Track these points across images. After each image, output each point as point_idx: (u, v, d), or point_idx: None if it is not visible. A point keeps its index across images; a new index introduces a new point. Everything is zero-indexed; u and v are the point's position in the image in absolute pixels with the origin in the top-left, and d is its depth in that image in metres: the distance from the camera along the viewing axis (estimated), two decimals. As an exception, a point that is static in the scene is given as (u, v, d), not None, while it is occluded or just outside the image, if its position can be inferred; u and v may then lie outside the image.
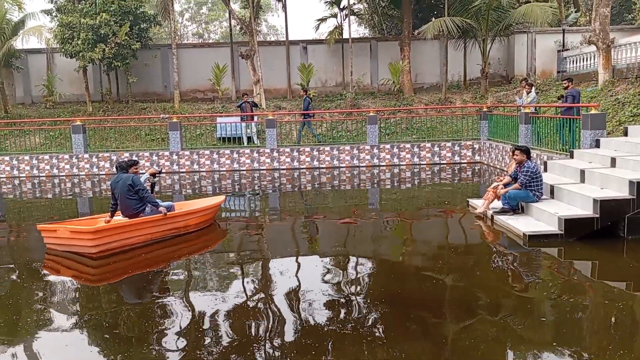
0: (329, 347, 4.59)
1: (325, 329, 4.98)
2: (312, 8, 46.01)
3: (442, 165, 16.52)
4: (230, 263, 7.51)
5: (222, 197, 10.11)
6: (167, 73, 24.29)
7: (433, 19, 21.33)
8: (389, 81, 22.39)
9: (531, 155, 9.41)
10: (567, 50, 22.24)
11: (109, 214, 8.19)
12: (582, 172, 8.93)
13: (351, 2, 24.84)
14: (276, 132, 17.01)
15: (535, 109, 14.03)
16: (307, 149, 16.87)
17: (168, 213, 8.20)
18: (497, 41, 22.29)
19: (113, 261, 7.36)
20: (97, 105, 22.72)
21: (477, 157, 16.81)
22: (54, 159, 17.06)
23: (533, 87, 14.94)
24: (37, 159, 17.08)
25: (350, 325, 5.06)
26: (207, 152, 16.96)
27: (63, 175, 16.86)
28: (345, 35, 23.89)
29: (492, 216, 8.84)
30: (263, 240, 8.77)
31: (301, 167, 16.74)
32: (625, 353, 4.33)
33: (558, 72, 22.11)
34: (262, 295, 6.06)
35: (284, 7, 24.34)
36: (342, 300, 5.74)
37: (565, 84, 13.34)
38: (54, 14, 22.75)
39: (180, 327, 5.12)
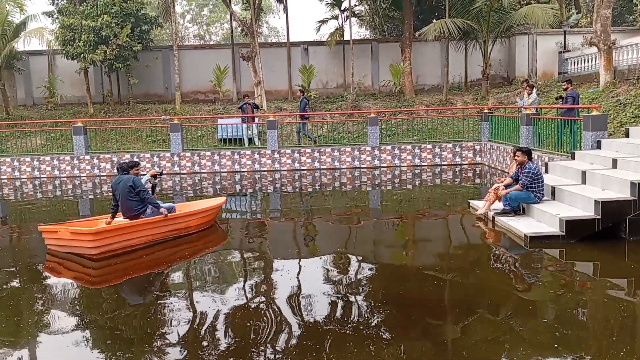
0: (330, 347, 4.58)
1: (326, 329, 4.97)
2: (313, 10, 46.24)
3: (443, 167, 16.50)
4: (232, 264, 7.51)
5: (223, 199, 10.11)
6: (168, 75, 24.32)
7: (434, 21, 21.34)
8: (390, 82, 22.39)
9: (532, 156, 9.40)
10: (568, 51, 22.24)
11: (110, 215, 8.18)
12: (584, 173, 8.92)
13: (352, 4, 24.86)
14: (277, 134, 17.01)
15: (537, 111, 14.03)
16: (308, 151, 16.87)
17: (169, 214, 8.20)
18: (498, 42, 22.29)
19: (114, 262, 7.36)
20: (98, 106, 22.75)
21: (478, 159, 16.80)
22: (55, 161, 17.08)
23: (534, 89, 14.93)
24: (38, 161, 17.10)
25: (350, 325, 5.05)
26: (208, 153, 16.97)
27: (64, 177, 16.87)
28: (346, 36, 23.92)
29: (493, 217, 8.83)
30: (264, 241, 8.76)
31: (302, 168, 16.74)
32: (627, 355, 4.32)
33: (559, 73, 22.10)
34: (264, 296, 6.05)
35: (285, 8, 24.36)
36: (343, 301, 5.73)
37: (564, 85, 13.35)
38: (55, 16, 22.81)
39: (182, 329, 5.11)
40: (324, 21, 26.03)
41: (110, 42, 20.18)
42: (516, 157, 8.89)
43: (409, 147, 16.92)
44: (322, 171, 16.47)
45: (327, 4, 25.93)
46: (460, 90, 23.11)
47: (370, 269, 7.07)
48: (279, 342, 4.78)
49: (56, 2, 22.76)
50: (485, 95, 21.38)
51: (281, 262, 7.38)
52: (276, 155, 16.81)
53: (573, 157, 10.48)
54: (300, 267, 7.18)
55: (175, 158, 16.88)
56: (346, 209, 11.35)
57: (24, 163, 17.08)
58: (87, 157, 17.05)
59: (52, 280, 6.95)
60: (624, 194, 7.65)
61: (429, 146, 16.94)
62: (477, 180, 14.60)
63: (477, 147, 16.87)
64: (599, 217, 7.47)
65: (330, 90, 24.54)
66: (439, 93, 22.88)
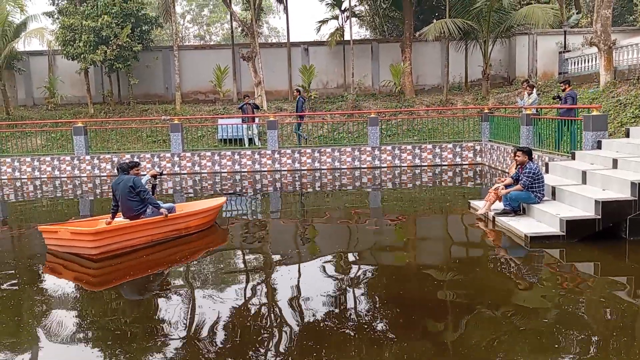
0: (330, 347, 4.58)
1: (326, 329, 4.97)
2: (313, 10, 46.24)
3: (443, 167, 16.50)
4: (232, 264, 7.51)
5: (223, 199, 10.11)
6: (168, 75, 24.32)
7: (434, 21, 21.36)
8: (390, 83, 22.39)
9: (533, 156, 9.40)
10: (568, 51, 22.23)
11: (110, 215, 8.18)
12: (584, 173, 8.92)
13: (352, 4, 24.87)
14: (277, 134, 17.01)
15: (537, 111, 14.02)
16: (308, 151, 16.87)
17: (169, 214, 8.20)
18: (498, 43, 22.30)
19: (114, 263, 7.36)
20: (99, 107, 22.76)
21: (478, 159, 16.79)
22: (56, 161, 17.08)
23: (534, 89, 14.93)
24: (38, 161, 17.10)
25: (350, 325, 5.05)
26: (209, 153, 16.97)
27: (64, 177, 16.88)
28: (347, 37, 23.92)
29: (493, 217, 8.82)
30: (264, 241, 8.76)
31: (302, 168, 16.73)
32: (628, 355, 4.31)
33: (559, 73, 22.10)
34: (264, 296, 6.05)
35: (285, 9, 24.37)
36: (343, 301, 5.73)
37: (562, 86, 13.37)
38: (55, 16, 22.83)
39: (182, 329, 5.11)
40: (324, 21, 26.03)
41: (110, 42, 20.18)
42: (517, 157, 8.88)
43: (409, 147, 16.91)
44: (323, 171, 16.47)
45: (328, 4, 25.93)
46: (460, 90, 23.11)
47: (371, 269, 7.06)
48: (279, 342, 4.78)
49: (56, 2, 22.78)
50: (486, 95, 21.38)
51: (281, 261, 7.37)
52: (276, 156, 16.81)
53: (573, 157, 10.47)
54: (300, 267, 7.18)
55: (176, 158, 16.88)
56: (346, 209, 11.35)
57: (24, 163, 17.09)
58: (88, 157, 17.05)
59: (52, 280, 6.95)
60: (625, 194, 7.65)
61: (429, 146, 16.94)
62: (478, 181, 14.60)
63: (478, 147, 16.87)
64: (600, 217, 7.47)
65: (331, 90, 24.55)
66: (439, 93, 22.88)
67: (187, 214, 8.64)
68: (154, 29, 23.85)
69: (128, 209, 8.08)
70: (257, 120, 19.11)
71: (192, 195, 13.56)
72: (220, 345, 4.76)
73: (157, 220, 8.09)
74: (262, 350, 4.64)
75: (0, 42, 21.49)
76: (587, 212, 7.70)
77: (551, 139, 12.75)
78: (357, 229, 9.38)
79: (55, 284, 6.74)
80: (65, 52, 20.87)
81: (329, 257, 7.42)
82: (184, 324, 5.24)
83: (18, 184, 16.26)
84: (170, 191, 14.26)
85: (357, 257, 7.51)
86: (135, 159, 14.98)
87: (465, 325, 5.08)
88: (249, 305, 5.74)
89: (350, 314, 5.38)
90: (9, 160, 17.12)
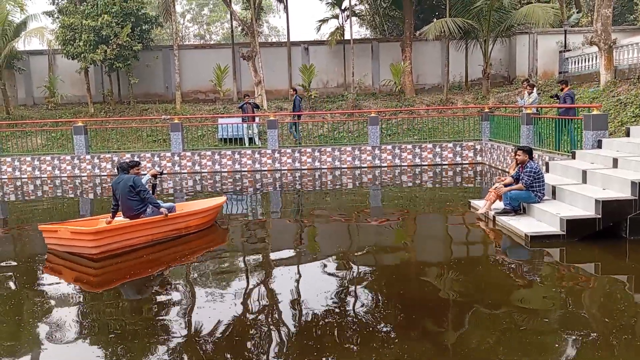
0: (330, 347, 4.58)
1: (326, 329, 4.97)
2: (313, 9, 46.24)
3: (443, 166, 16.49)
4: (232, 264, 7.51)
5: (223, 198, 10.10)
6: (168, 74, 24.31)
7: (434, 20, 21.35)
8: (391, 82, 22.38)
9: (533, 155, 9.40)
10: (568, 51, 22.22)
11: (110, 214, 8.18)
12: (584, 172, 8.91)
13: (352, 3, 24.86)
14: (277, 133, 17.00)
15: (537, 110, 14.02)
16: (309, 150, 16.87)
17: (169, 214, 8.20)
18: (498, 42, 22.28)
19: (114, 262, 7.35)
20: (99, 106, 22.76)
21: (478, 158, 16.78)
22: (56, 160, 17.08)
23: (535, 88, 14.92)
24: (38, 160, 17.10)
25: (350, 325, 5.05)
26: (209, 153, 16.97)
27: (65, 176, 16.88)
28: (347, 36, 23.89)
29: (493, 217, 8.82)
30: (265, 241, 8.76)
31: (302, 167, 16.73)
32: (628, 354, 4.31)
33: (560, 72, 22.08)
34: (265, 295, 6.05)
35: (286, 8, 24.34)
36: (343, 300, 5.72)
37: (560, 86, 13.39)
38: (55, 16, 22.82)
39: (182, 329, 5.11)
40: (324, 20, 26.01)
41: (110, 41, 20.18)
42: (517, 156, 8.89)
43: (409, 146, 16.91)
44: (323, 171, 16.47)
45: (328, 3, 25.91)
46: (460, 89, 23.10)
47: (370, 269, 7.06)
48: (279, 341, 4.78)
49: (56, 1, 22.75)
50: (486, 94, 21.36)
51: (282, 261, 7.37)
52: (277, 155, 16.81)
53: (574, 157, 10.47)
54: (300, 266, 7.18)
55: (176, 158, 16.88)
56: (346, 208, 11.35)
57: (25, 163, 17.09)
58: (88, 156, 17.05)
59: (52, 280, 6.95)
60: (625, 193, 7.64)
61: (430, 146, 16.93)
62: (478, 180, 14.60)
63: (478, 147, 16.86)
64: (600, 216, 7.46)
65: (331, 89, 24.54)
66: (439, 92, 22.87)
67: (187, 214, 8.64)
68: (154, 28, 23.84)
69: (128, 209, 8.08)
70: (257, 119, 19.11)
71: (192, 194, 13.56)
72: (221, 345, 4.75)
73: (157, 219, 8.09)
74: (263, 350, 4.64)
75: (0, 42, 21.48)
76: (588, 211, 7.70)
77: (551, 139, 12.75)
78: (357, 229, 9.37)
79: (55, 284, 6.74)
80: (65, 51, 20.87)
81: (329, 256, 7.41)
82: (184, 323, 5.24)
83: (18, 183, 16.26)
84: (171, 190, 14.26)
85: (357, 257, 7.50)
86: (136, 159, 14.98)
87: (466, 325, 5.08)
88: (249, 305, 5.74)
89: (350, 314, 5.37)
90: (9, 159, 17.12)
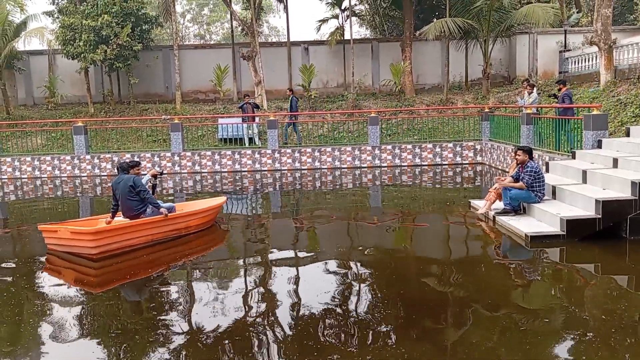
0: (330, 347, 4.58)
1: (326, 329, 4.97)
2: (313, 9, 46.25)
3: (443, 166, 16.49)
4: (232, 264, 7.51)
5: (223, 198, 10.10)
6: (168, 74, 24.31)
7: (434, 20, 21.34)
8: (391, 82, 22.38)
9: (533, 155, 9.39)
10: (569, 50, 22.22)
11: (110, 214, 8.18)
12: (584, 172, 8.91)
13: (352, 3, 24.85)
14: (277, 133, 17.00)
15: (537, 110, 14.01)
16: (309, 150, 16.87)
17: (169, 214, 8.19)
18: (498, 42, 22.27)
19: (114, 262, 7.35)
20: (99, 106, 22.75)
21: (478, 158, 16.78)
22: (56, 160, 17.08)
23: (535, 88, 14.91)
24: (38, 160, 17.10)
25: (350, 325, 5.05)
26: (209, 153, 16.97)
27: (65, 176, 16.88)
28: (347, 36, 23.89)
29: (493, 217, 8.82)
30: (265, 241, 8.76)
31: (302, 168, 16.73)
32: (628, 355, 4.31)
33: (560, 72, 22.08)
34: (265, 295, 6.05)
35: (286, 8, 24.34)
36: (343, 301, 5.72)
37: (558, 87, 13.40)
38: (55, 16, 22.82)
39: (182, 330, 5.11)
40: (324, 20, 26.01)
41: (110, 41, 20.17)
42: (517, 156, 8.88)
43: (409, 146, 16.91)
44: (323, 171, 16.46)
45: (328, 3, 25.91)
46: (460, 89, 23.09)
47: (370, 269, 7.06)
48: (280, 341, 4.78)
49: (56, 1, 22.76)
50: (486, 94, 21.36)
51: (282, 261, 7.37)
52: (277, 155, 16.80)
53: (574, 157, 10.47)
54: (300, 266, 7.17)
55: (176, 158, 16.88)
56: (346, 208, 11.35)
57: (25, 163, 17.09)
58: (88, 156, 17.05)
59: (52, 280, 6.94)
60: (625, 193, 7.64)
61: (430, 146, 16.93)
62: (478, 180, 14.59)
63: (478, 147, 16.86)
64: (600, 216, 7.46)
65: (331, 89, 24.54)
66: (439, 92, 22.87)
67: (187, 214, 8.64)
68: (154, 28, 23.85)
69: (128, 209, 8.07)
70: (257, 119, 19.11)
71: (192, 194, 13.56)
72: (221, 346, 4.75)
73: (157, 219, 8.09)
74: (263, 350, 4.64)
75: (1, 42, 21.48)
76: (588, 211, 7.70)
77: (551, 139, 12.75)
78: (356, 229, 9.38)
79: (55, 284, 6.73)
80: (65, 51, 20.87)
81: (329, 257, 7.41)
82: (184, 324, 5.24)
83: (18, 183, 16.26)
84: (171, 191, 14.26)
85: (356, 257, 7.50)
86: (136, 159, 14.98)
87: (466, 325, 5.08)
88: (249, 305, 5.74)
89: (350, 314, 5.37)
90: (9, 159, 17.12)
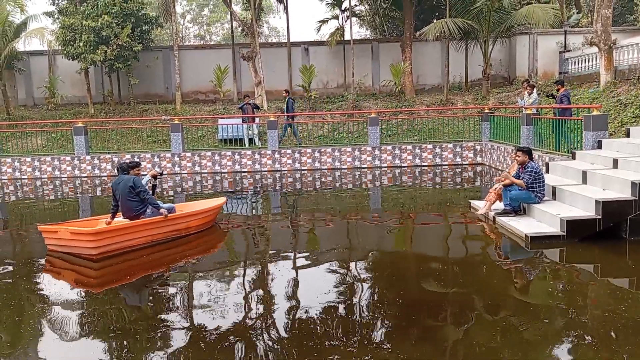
0: (330, 348, 4.58)
1: (326, 329, 4.96)
2: (313, 10, 46.27)
3: (443, 167, 16.50)
4: (232, 265, 7.50)
5: (223, 199, 10.09)
6: (168, 75, 24.32)
7: (434, 21, 21.34)
8: (391, 82, 22.38)
9: (533, 156, 9.39)
10: (569, 51, 22.22)
11: (110, 215, 8.18)
12: (584, 173, 8.91)
13: (352, 4, 24.86)
14: (277, 134, 17.00)
15: (537, 111, 14.02)
16: (309, 151, 16.87)
17: (169, 215, 8.19)
18: (498, 42, 22.28)
19: (113, 263, 7.35)
20: (99, 107, 22.76)
21: (478, 159, 16.78)
22: (56, 161, 17.08)
23: (535, 89, 14.91)
24: (39, 161, 17.10)
25: (350, 326, 5.05)
26: (209, 153, 16.97)
27: (65, 177, 16.88)
28: (347, 36, 23.90)
29: (493, 217, 8.82)
30: (265, 242, 8.76)
31: (302, 168, 16.73)
32: (629, 355, 4.30)
33: (560, 73, 22.09)
34: (266, 295, 6.04)
35: (286, 8, 24.36)
36: (342, 301, 5.72)
37: (556, 87, 13.40)
38: (55, 16, 22.83)
39: (182, 330, 5.11)
40: (324, 21, 26.02)
41: (110, 42, 20.18)
42: (517, 157, 8.88)
43: (409, 147, 16.91)
44: (323, 171, 16.46)
45: (328, 3, 25.93)
46: (460, 90, 23.10)
47: (370, 269, 7.06)
48: (280, 341, 4.78)
49: (57, 2, 22.77)
50: (486, 95, 21.36)
51: (282, 262, 7.37)
52: (276, 156, 16.80)
53: (574, 157, 10.46)
54: (301, 266, 7.17)
55: (176, 158, 16.88)
56: (345, 209, 11.35)
57: (25, 163, 17.09)
58: (88, 157, 17.06)
59: (52, 280, 6.94)
60: (625, 194, 7.64)
61: (430, 146, 16.93)
62: (478, 181, 14.59)
63: (478, 147, 16.86)
64: (600, 217, 7.46)
65: (331, 90, 24.54)
66: (439, 93, 22.87)
67: (187, 214, 8.63)
68: (154, 28, 23.86)
69: (128, 209, 8.07)
70: (257, 120, 19.11)
71: (192, 195, 13.56)
72: (221, 346, 4.75)
73: (157, 220, 8.09)
74: (263, 350, 4.63)
75: (1, 42, 21.49)
76: (588, 212, 7.70)
77: (551, 139, 12.75)
78: (356, 230, 9.37)
79: (55, 285, 6.73)
80: (65, 52, 20.88)
81: (329, 257, 7.41)
82: (184, 324, 5.24)
83: (18, 184, 16.26)
84: (171, 192, 14.25)
85: (356, 258, 7.50)
86: (136, 159, 14.98)
87: (466, 326, 5.07)
88: (249, 306, 5.73)
89: (350, 314, 5.37)
90: (9, 160, 17.12)
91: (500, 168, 14.90)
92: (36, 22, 23.29)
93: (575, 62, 21.26)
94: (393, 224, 9.79)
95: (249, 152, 16.93)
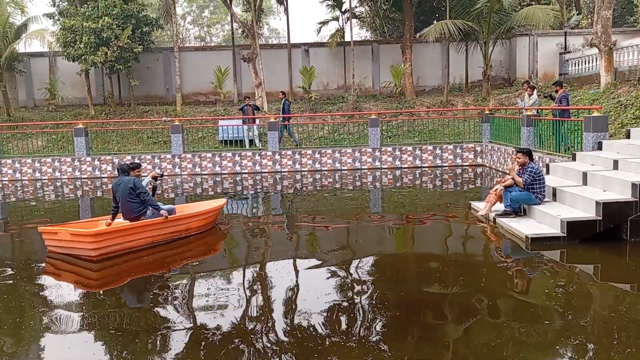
0: (330, 348, 4.57)
1: (326, 330, 4.96)
2: (313, 11, 46.30)
3: (443, 168, 16.49)
4: (232, 266, 7.50)
5: (223, 200, 10.09)
6: (169, 76, 24.33)
7: (435, 22, 21.34)
8: (391, 84, 22.39)
9: (533, 157, 9.39)
10: (569, 52, 22.22)
11: (110, 216, 8.18)
12: (585, 174, 8.91)
13: (353, 5, 24.88)
14: (278, 135, 17.01)
15: (537, 112, 14.02)
16: (309, 152, 16.87)
17: (169, 216, 8.19)
18: (499, 44, 22.28)
19: (114, 264, 7.35)
20: (100, 108, 22.77)
21: (479, 160, 16.78)
22: (57, 162, 17.09)
23: (535, 90, 14.91)
24: (39, 162, 17.11)
25: (350, 326, 5.04)
26: (209, 155, 16.97)
27: (65, 178, 16.89)
28: (347, 38, 23.92)
29: (494, 219, 8.81)
30: (265, 243, 8.75)
31: (303, 169, 16.73)
32: (629, 356, 4.30)
33: (560, 74, 22.09)
34: (266, 296, 6.04)
35: (286, 10, 24.37)
36: (342, 302, 5.72)
37: (555, 88, 13.41)
38: (56, 18, 22.84)
39: (182, 331, 5.11)
40: (324, 22, 26.03)
41: (111, 43, 20.20)
42: (517, 158, 8.89)
43: (409, 148, 16.91)
44: (323, 172, 16.46)
45: (328, 5, 25.95)
46: (461, 91, 23.10)
47: (370, 270, 7.06)
48: (280, 341, 4.77)
49: (57, 3, 22.79)
50: (486, 96, 21.36)
51: (282, 262, 7.37)
52: (277, 157, 16.81)
53: (574, 158, 10.46)
54: (301, 267, 7.17)
55: (176, 160, 16.89)
56: (346, 210, 11.34)
57: (25, 164, 17.10)
58: (88, 158, 17.06)
59: (52, 281, 6.93)
60: (625, 195, 7.64)
61: (430, 147, 16.93)
62: (478, 182, 14.59)
63: (478, 149, 16.86)
64: (600, 218, 7.45)
65: (331, 91, 24.55)
66: (439, 94, 22.87)
67: (188, 216, 8.64)
68: (154, 30, 23.86)
69: (128, 211, 8.08)
70: (257, 121, 19.12)
71: (192, 196, 13.55)
72: (221, 346, 4.75)
73: (157, 221, 8.09)
74: (263, 350, 4.63)
75: (1, 44, 21.52)
76: (588, 213, 7.70)
77: (552, 140, 12.75)
78: (356, 231, 9.37)
79: (55, 286, 6.73)
80: (66, 53, 20.89)
81: (329, 258, 7.41)
82: (184, 325, 5.24)
83: (19, 185, 16.26)
84: (172, 194, 14.25)
85: (356, 259, 7.50)
86: (136, 161, 14.99)
87: (466, 327, 5.07)
88: (250, 306, 5.73)
89: (350, 315, 5.37)
90: (9, 161, 17.13)
91: (500, 169, 14.90)
92: (37, 24, 23.31)
93: (575, 64, 21.26)
94: (392, 225, 9.78)
95: (249, 154, 16.94)
